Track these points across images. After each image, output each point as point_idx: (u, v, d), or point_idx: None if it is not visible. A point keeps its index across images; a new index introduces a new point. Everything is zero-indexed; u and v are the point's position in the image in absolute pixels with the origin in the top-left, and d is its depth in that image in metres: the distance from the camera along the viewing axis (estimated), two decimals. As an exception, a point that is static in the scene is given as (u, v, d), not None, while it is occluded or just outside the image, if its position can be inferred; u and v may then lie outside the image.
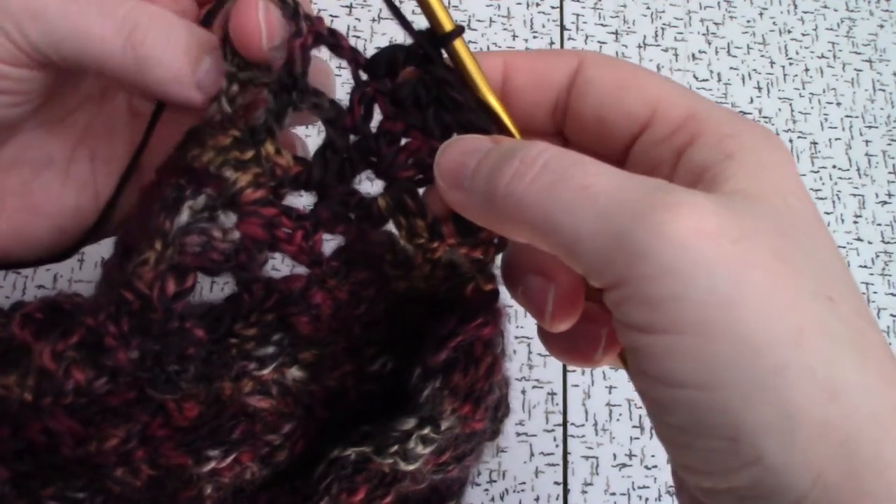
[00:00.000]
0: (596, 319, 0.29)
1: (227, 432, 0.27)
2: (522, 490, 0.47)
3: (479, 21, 0.58)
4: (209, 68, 0.26)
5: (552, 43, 0.58)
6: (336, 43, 0.26)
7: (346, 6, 0.56)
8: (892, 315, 0.56)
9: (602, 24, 0.60)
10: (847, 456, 0.19)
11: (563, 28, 0.59)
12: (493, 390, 0.29)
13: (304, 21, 0.25)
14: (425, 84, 0.27)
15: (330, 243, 0.27)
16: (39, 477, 0.26)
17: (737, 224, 0.20)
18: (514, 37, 0.58)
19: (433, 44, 0.26)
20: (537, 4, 0.59)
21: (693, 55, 0.61)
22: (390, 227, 0.27)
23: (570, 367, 0.50)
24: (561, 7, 0.60)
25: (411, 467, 0.28)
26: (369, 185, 0.28)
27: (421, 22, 0.27)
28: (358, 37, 0.56)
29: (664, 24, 0.61)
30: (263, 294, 0.26)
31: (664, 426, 0.22)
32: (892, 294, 0.56)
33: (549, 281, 0.27)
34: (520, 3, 0.59)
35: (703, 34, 0.61)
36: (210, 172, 0.24)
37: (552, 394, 0.49)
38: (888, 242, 0.58)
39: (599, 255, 0.21)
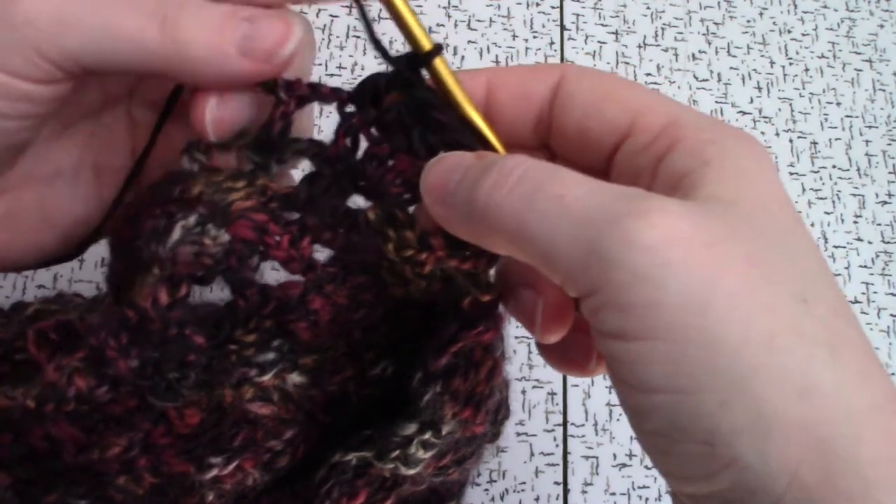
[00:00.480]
0: (587, 330, 0.29)
1: (228, 439, 0.27)
2: (522, 490, 0.47)
3: (479, 21, 0.58)
4: (247, 32, 0.25)
5: (552, 43, 0.58)
6: (318, 95, 0.27)
7: (347, 6, 0.56)
8: (892, 315, 0.56)
9: (602, 24, 0.60)
10: (823, 455, 0.19)
11: (563, 28, 0.59)
12: (494, 393, 0.29)
13: (283, 91, 0.26)
14: (408, 107, 0.27)
15: (326, 251, 0.27)
16: (41, 483, 0.26)
17: (710, 229, 0.21)
18: (515, 37, 0.58)
19: (413, 65, 0.27)
20: (537, 4, 0.59)
21: (693, 55, 0.61)
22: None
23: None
24: (561, 7, 0.60)
25: (412, 471, 0.28)
26: (357, 203, 0.28)
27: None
28: (358, 37, 0.56)
29: (664, 24, 0.61)
30: (260, 300, 0.26)
31: (644, 433, 0.22)
32: (893, 294, 0.56)
33: (538, 294, 0.28)
34: (520, 4, 0.59)
35: (703, 34, 0.61)
36: (202, 199, 0.25)
37: (552, 394, 0.49)
38: (888, 242, 0.58)
39: (574, 264, 0.21)
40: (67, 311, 0.29)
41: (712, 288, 0.20)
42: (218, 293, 0.26)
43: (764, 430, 0.19)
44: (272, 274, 0.27)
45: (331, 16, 0.56)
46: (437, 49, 0.27)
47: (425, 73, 0.27)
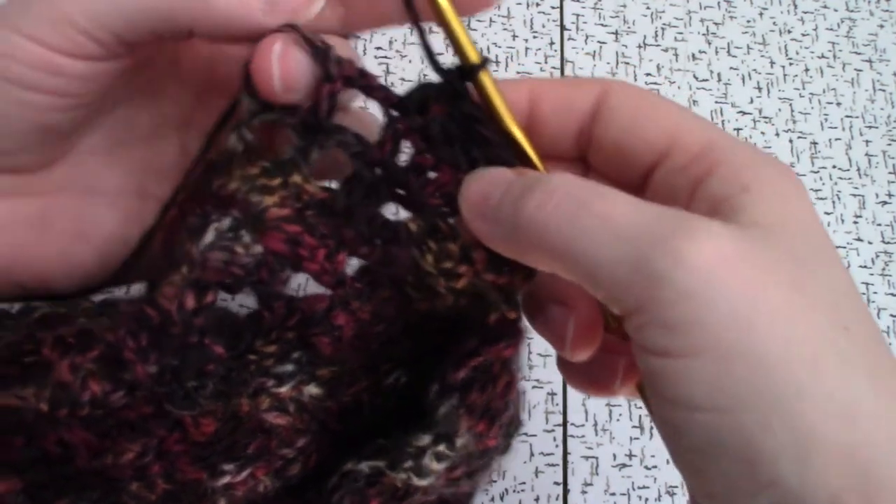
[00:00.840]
0: (614, 350, 0.29)
1: (242, 447, 0.27)
2: (522, 490, 0.47)
3: (478, 21, 0.58)
4: None
5: (552, 43, 0.58)
6: (367, 84, 0.26)
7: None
8: (892, 315, 0.56)
9: (602, 25, 0.60)
10: (863, 480, 0.19)
11: (563, 28, 0.59)
12: (509, 408, 0.30)
13: (334, 65, 0.25)
14: (454, 119, 0.27)
15: (352, 265, 0.27)
16: (53, 488, 0.26)
17: (754, 252, 0.21)
18: (514, 37, 0.58)
19: (460, 78, 0.27)
20: (537, 4, 0.59)
21: (693, 55, 0.61)
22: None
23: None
24: (561, 7, 0.60)
25: (424, 482, 0.28)
26: (393, 214, 0.28)
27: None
28: (358, 37, 0.56)
29: (664, 25, 0.61)
30: (286, 313, 0.26)
31: (682, 450, 0.22)
32: (893, 294, 0.56)
33: (570, 311, 0.28)
34: (520, 4, 0.59)
35: (703, 34, 0.61)
36: (236, 198, 0.25)
37: (552, 394, 0.49)
38: (888, 242, 0.58)
39: (619, 281, 0.21)
40: (76, 315, 0.29)
41: (757, 309, 0.20)
42: (236, 299, 0.26)
43: (805, 452, 0.19)
44: (296, 285, 0.26)
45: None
46: (485, 62, 0.27)
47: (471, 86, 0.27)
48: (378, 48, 0.55)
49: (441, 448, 0.28)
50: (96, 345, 0.24)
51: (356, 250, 0.26)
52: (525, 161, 0.27)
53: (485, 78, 0.27)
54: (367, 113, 0.30)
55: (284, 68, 0.25)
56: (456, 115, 0.27)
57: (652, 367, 0.21)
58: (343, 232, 0.26)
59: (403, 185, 0.27)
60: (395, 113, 0.27)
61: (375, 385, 0.30)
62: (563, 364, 0.31)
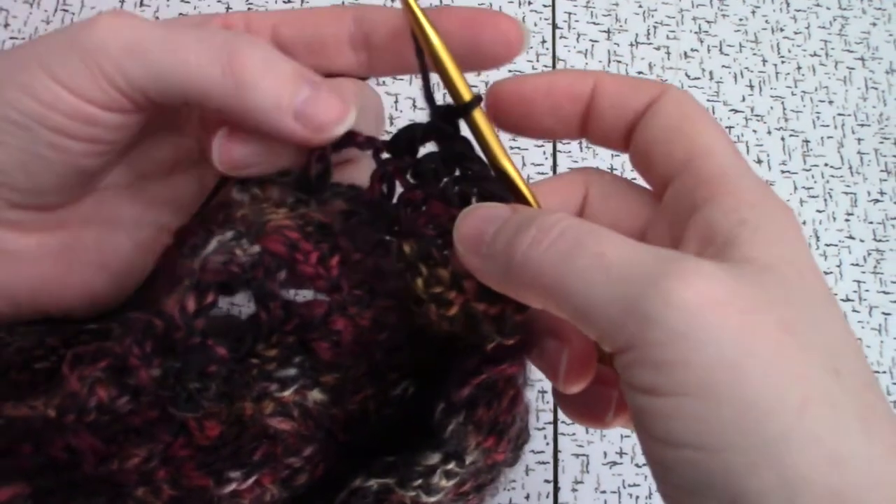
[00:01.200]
0: (608, 382, 0.30)
1: (248, 454, 0.27)
2: (513, 488, 0.47)
3: (470, 19, 0.58)
4: (308, 97, 0.26)
5: (544, 41, 0.58)
6: (352, 141, 0.27)
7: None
8: (884, 313, 0.56)
9: (594, 23, 0.60)
10: None
11: (554, 26, 0.59)
12: (516, 421, 0.30)
13: None
14: (443, 157, 0.28)
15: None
16: (60, 494, 0.26)
17: (746, 294, 0.21)
18: (506, 35, 0.58)
19: (451, 117, 0.28)
20: (529, 3, 0.59)
21: (685, 53, 0.61)
22: None
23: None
24: (553, 5, 0.60)
25: (433, 499, 0.28)
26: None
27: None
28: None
29: (656, 23, 0.61)
30: (283, 316, 0.26)
31: (667, 486, 0.22)
32: (884, 292, 0.56)
33: (564, 344, 0.28)
34: (511, 2, 0.59)
35: (696, 32, 0.61)
36: (244, 220, 0.26)
37: (542, 392, 0.49)
38: (880, 240, 0.58)
39: (611, 321, 0.21)
40: (86, 322, 0.29)
41: (746, 351, 0.20)
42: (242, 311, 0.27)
43: (791, 495, 0.19)
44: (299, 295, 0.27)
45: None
46: (477, 101, 0.27)
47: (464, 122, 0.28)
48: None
49: (451, 466, 0.28)
50: (104, 357, 0.24)
51: (350, 257, 0.27)
52: (518, 197, 0.28)
53: (478, 116, 0.27)
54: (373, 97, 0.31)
55: (225, 152, 0.27)
56: (445, 153, 0.28)
57: (640, 404, 0.22)
58: (339, 239, 0.27)
59: (396, 220, 0.28)
60: (385, 156, 0.28)
61: (382, 394, 0.30)
62: (557, 394, 0.31)
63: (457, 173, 0.28)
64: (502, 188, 0.28)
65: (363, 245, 0.27)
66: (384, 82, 0.54)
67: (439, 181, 0.28)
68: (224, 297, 0.25)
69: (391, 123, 0.52)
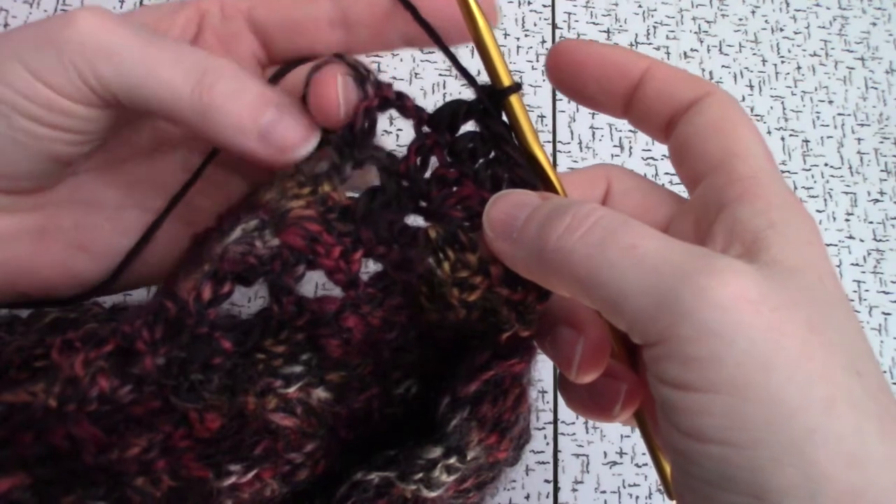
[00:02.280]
0: (617, 375, 0.30)
1: (249, 448, 0.27)
2: (513, 488, 0.47)
3: (470, 19, 0.58)
4: (272, 120, 0.27)
5: (544, 41, 0.59)
6: (401, 104, 0.28)
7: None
8: (884, 313, 0.56)
9: (594, 23, 0.60)
10: None
11: (554, 26, 0.59)
12: (519, 420, 0.30)
13: (372, 87, 0.27)
14: (483, 138, 0.28)
15: (369, 271, 0.27)
16: (60, 484, 0.26)
17: (775, 294, 0.21)
18: (506, 35, 0.58)
19: (492, 99, 0.28)
20: (529, 3, 0.59)
21: (685, 53, 0.61)
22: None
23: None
24: (553, 5, 0.60)
25: (433, 494, 0.28)
26: (415, 223, 0.28)
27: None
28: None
29: (656, 23, 0.61)
30: (295, 310, 0.26)
31: (689, 478, 0.22)
32: (884, 292, 0.56)
33: (579, 333, 0.28)
34: (511, 2, 0.59)
35: (695, 32, 0.61)
36: (268, 205, 0.26)
37: (543, 392, 0.49)
38: (880, 240, 0.58)
39: (643, 313, 0.22)
40: (86, 320, 0.29)
41: (776, 349, 0.20)
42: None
43: (812, 492, 0.19)
44: (306, 288, 0.27)
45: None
46: (517, 87, 0.28)
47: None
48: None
49: (452, 461, 0.28)
50: (111, 338, 0.24)
51: (373, 250, 0.27)
52: (548, 186, 0.28)
53: (514, 102, 0.28)
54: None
55: (347, 98, 0.27)
56: (485, 133, 0.28)
57: (667, 398, 0.22)
58: (361, 232, 0.26)
59: (426, 196, 0.28)
60: (425, 129, 0.28)
61: (386, 393, 0.30)
62: (563, 386, 0.32)
63: (491, 156, 0.28)
64: (533, 176, 0.28)
65: (385, 231, 0.27)
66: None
67: (475, 161, 0.28)
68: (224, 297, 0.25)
69: (391, 123, 0.52)
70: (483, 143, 0.28)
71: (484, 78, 0.28)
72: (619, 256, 0.22)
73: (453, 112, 0.28)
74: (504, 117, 0.28)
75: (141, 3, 0.53)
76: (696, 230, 0.27)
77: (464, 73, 0.28)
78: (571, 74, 0.30)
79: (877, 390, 0.21)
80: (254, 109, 0.27)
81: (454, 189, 0.28)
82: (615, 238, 0.23)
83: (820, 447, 0.20)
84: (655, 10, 0.61)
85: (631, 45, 0.60)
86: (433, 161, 0.28)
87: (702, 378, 0.21)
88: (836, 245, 0.57)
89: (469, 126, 0.29)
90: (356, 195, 0.27)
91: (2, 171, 0.27)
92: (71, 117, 0.26)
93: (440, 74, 0.55)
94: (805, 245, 0.24)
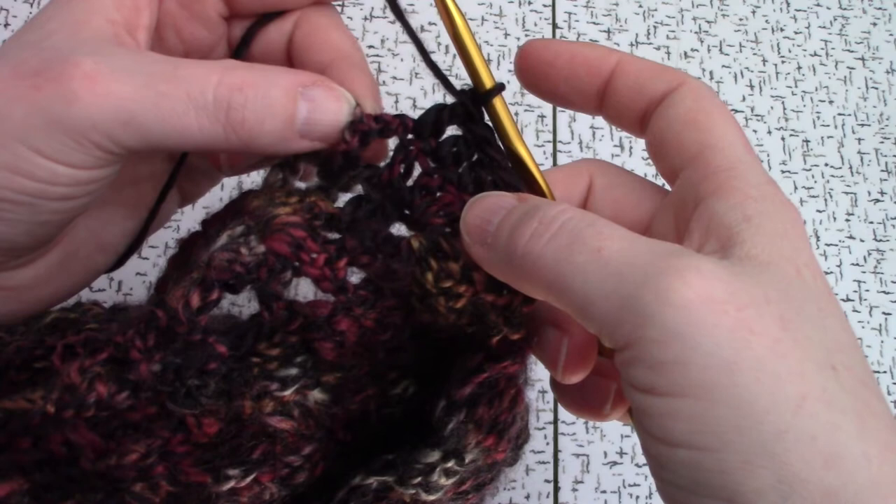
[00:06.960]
0: (607, 374, 0.30)
1: (247, 452, 0.27)
2: (513, 488, 0.47)
3: (471, 19, 0.58)
4: (307, 116, 0.26)
5: (544, 41, 0.59)
6: (384, 128, 0.28)
7: (338, 4, 0.56)
8: (884, 313, 0.56)
9: (594, 23, 0.60)
10: None
11: (555, 26, 0.59)
12: (516, 421, 0.30)
13: (347, 132, 0.27)
14: (465, 141, 0.28)
15: (358, 274, 0.28)
16: (58, 489, 0.26)
17: (744, 292, 0.21)
18: (507, 35, 0.58)
19: (474, 101, 0.28)
20: (529, 3, 0.59)
21: (685, 53, 0.61)
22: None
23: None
24: (553, 5, 0.60)
25: (432, 497, 0.28)
26: (399, 231, 0.29)
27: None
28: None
29: (656, 23, 0.61)
30: (287, 315, 0.26)
31: (664, 483, 0.22)
32: (884, 292, 0.56)
33: (564, 333, 0.28)
34: (511, 2, 0.59)
35: (696, 32, 0.61)
36: (255, 212, 0.26)
37: (543, 392, 0.49)
38: (880, 240, 0.58)
39: (609, 317, 0.21)
40: (86, 321, 0.29)
41: (742, 350, 0.20)
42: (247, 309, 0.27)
43: (786, 493, 0.19)
44: (305, 290, 0.27)
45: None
46: (499, 88, 0.27)
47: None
48: (370, 46, 0.55)
49: (450, 464, 0.28)
50: (105, 347, 0.24)
51: (357, 259, 0.27)
52: (533, 187, 0.28)
53: (498, 103, 0.27)
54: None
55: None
56: (468, 137, 0.28)
57: (637, 403, 0.22)
58: (346, 241, 0.26)
59: (409, 204, 0.28)
60: (409, 136, 0.28)
61: (383, 394, 0.30)
62: (555, 385, 0.31)
63: (474, 158, 0.28)
64: (517, 178, 0.28)
65: (370, 240, 0.27)
66: (384, 82, 0.54)
67: (459, 165, 0.28)
68: (225, 297, 0.25)
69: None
70: (466, 146, 0.28)
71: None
72: (584, 260, 0.22)
73: (436, 118, 0.28)
74: (487, 119, 0.28)
75: None
76: (676, 226, 0.26)
77: (441, 77, 0.28)
78: (541, 75, 0.29)
79: (856, 384, 0.21)
80: (287, 118, 0.26)
81: (437, 195, 0.28)
82: (582, 241, 0.22)
83: (791, 448, 0.19)
84: (656, 10, 0.61)
85: (631, 45, 0.60)
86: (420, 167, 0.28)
87: (668, 382, 0.20)
88: (836, 245, 0.57)
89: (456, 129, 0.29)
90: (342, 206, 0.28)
91: (26, 245, 0.26)
92: (92, 182, 0.26)
93: (440, 74, 0.55)
94: (781, 238, 0.23)
